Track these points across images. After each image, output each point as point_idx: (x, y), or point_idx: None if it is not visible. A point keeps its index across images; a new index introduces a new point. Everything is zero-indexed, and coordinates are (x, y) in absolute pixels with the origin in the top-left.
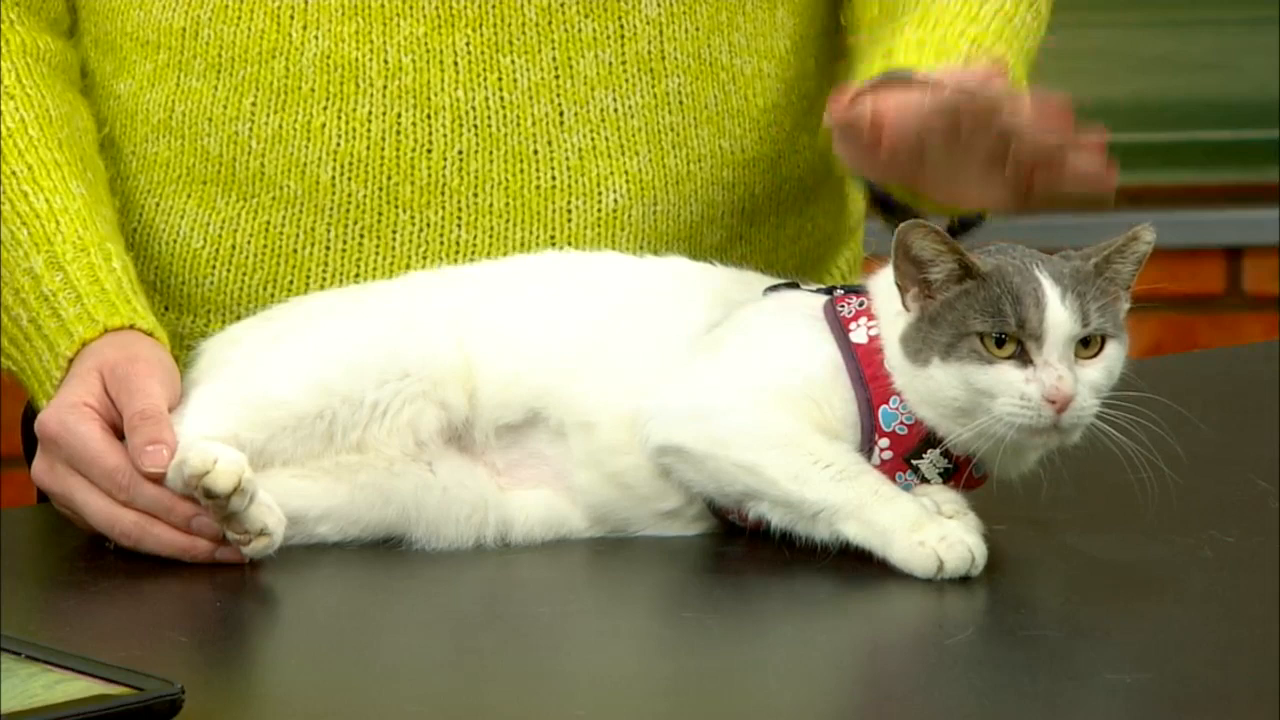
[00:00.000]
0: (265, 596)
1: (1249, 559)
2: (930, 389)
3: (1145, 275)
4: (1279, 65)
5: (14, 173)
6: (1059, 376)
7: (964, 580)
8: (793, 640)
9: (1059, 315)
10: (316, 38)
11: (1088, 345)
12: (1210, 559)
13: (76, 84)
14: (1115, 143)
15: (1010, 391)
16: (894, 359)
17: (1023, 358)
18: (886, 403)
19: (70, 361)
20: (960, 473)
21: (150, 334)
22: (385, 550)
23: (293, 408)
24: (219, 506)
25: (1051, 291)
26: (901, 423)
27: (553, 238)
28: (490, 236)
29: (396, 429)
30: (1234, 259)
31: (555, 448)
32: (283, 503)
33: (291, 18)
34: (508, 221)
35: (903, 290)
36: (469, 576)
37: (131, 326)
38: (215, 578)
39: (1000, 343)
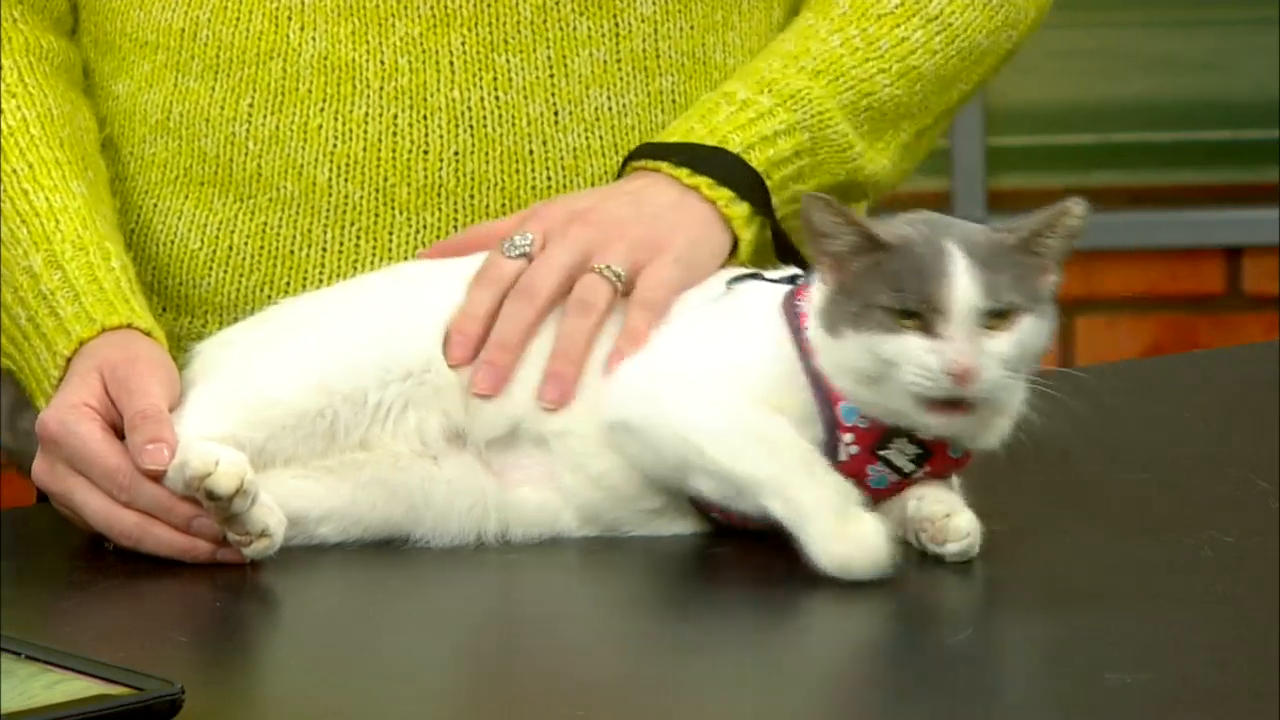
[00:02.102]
0: (265, 596)
1: (1249, 559)
2: (843, 358)
3: (1145, 275)
4: (1279, 65)
5: (14, 170)
6: (959, 350)
7: (963, 579)
8: (792, 640)
9: (963, 289)
10: (314, 39)
11: (1001, 316)
12: (1210, 559)
13: (79, 83)
14: (1115, 143)
15: (912, 360)
16: (813, 331)
17: (928, 327)
18: (846, 398)
19: (68, 361)
20: (935, 456)
21: (148, 333)
22: (386, 550)
23: (292, 407)
24: (220, 508)
25: (958, 264)
26: (863, 415)
27: None
28: None
29: (403, 432)
30: (1234, 259)
31: (542, 453)
32: (284, 503)
33: (289, 19)
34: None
35: (819, 264)
36: (469, 577)
37: (129, 325)
38: (215, 578)
39: (908, 313)
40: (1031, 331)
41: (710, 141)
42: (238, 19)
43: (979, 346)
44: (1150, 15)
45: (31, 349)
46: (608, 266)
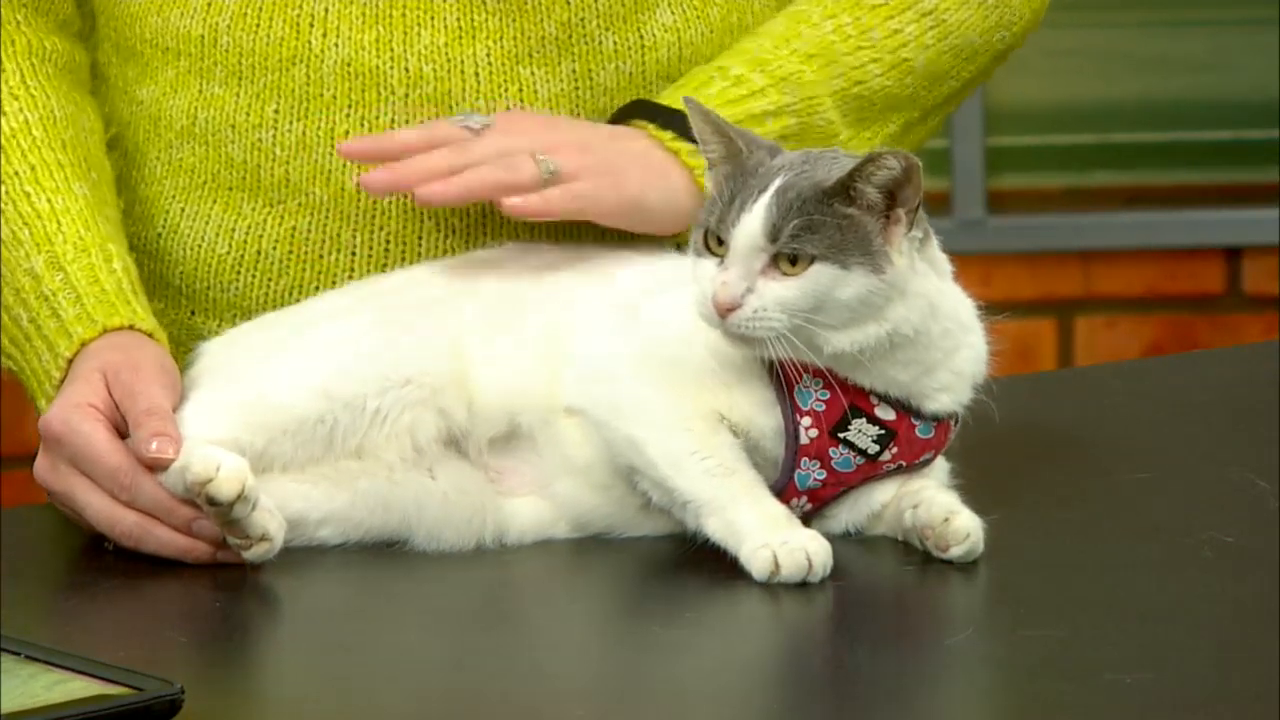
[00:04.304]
0: (265, 596)
1: (1249, 559)
2: None
3: (1145, 276)
4: (1278, 65)
5: (17, 173)
6: (723, 282)
7: (964, 579)
8: (793, 640)
9: (749, 227)
10: (336, 45)
11: (795, 263)
12: (1210, 559)
13: (85, 85)
14: (1114, 143)
15: (700, 284)
16: None
17: (724, 257)
18: (799, 382)
19: (69, 362)
20: (900, 436)
21: (150, 334)
22: (385, 551)
23: (293, 412)
24: (221, 513)
25: (762, 202)
26: (818, 399)
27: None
28: (514, 242)
29: (395, 435)
30: (1233, 259)
31: (538, 456)
32: (284, 506)
33: (311, 25)
34: (531, 229)
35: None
36: (468, 577)
37: (131, 327)
38: (215, 578)
39: (719, 240)
40: (826, 282)
41: None
42: (257, 25)
43: (751, 284)
44: (1149, 15)
45: (33, 350)
46: (545, 158)
